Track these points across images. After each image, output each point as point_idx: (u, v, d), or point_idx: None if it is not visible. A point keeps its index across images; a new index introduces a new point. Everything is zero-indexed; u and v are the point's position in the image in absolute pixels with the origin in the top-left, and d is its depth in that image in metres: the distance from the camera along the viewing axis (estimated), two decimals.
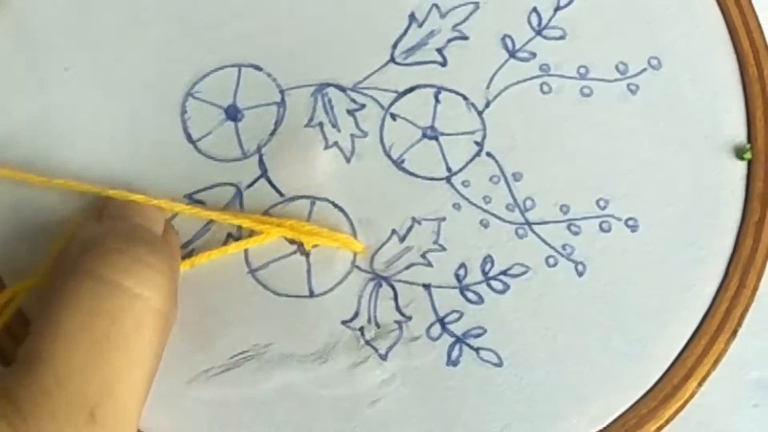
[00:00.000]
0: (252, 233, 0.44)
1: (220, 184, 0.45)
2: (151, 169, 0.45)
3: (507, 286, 0.44)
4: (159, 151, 0.45)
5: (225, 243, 0.44)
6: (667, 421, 0.43)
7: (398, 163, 0.45)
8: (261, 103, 0.46)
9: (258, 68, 0.46)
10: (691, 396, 0.44)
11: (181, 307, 0.42)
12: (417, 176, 0.45)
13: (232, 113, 0.46)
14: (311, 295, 0.44)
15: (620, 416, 0.43)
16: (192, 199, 0.45)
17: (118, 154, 0.45)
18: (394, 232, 0.45)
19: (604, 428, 0.43)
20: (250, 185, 0.45)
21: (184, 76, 0.46)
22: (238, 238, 0.44)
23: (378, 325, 0.44)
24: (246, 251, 0.44)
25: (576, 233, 0.45)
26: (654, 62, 0.47)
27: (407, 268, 0.44)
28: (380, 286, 0.44)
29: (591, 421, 0.43)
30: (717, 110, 0.47)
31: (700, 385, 0.44)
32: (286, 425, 0.42)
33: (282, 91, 0.46)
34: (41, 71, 0.46)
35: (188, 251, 0.44)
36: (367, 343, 0.43)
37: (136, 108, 0.46)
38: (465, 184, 0.45)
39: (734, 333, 0.44)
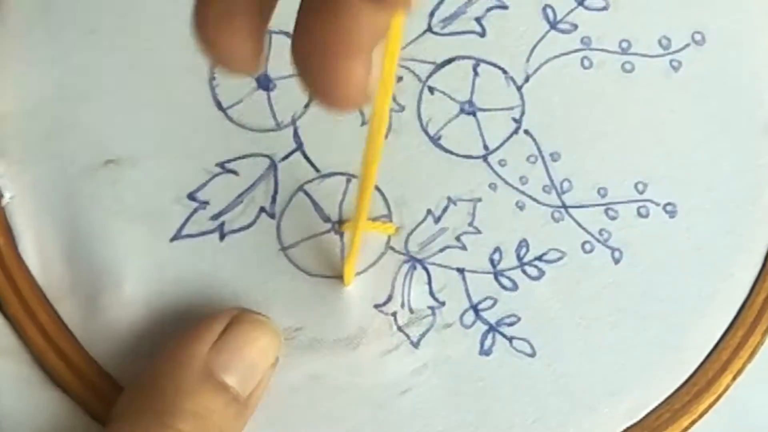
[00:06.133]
0: (286, 208, 0.43)
1: (254, 154, 0.43)
2: (180, 136, 0.44)
3: (542, 273, 0.43)
4: (188, 118, 0.44)
5: (257, 217, 0.43)
6: (701, 416, 0.42)
7: (435, 140, 0.44)
8: (293, 73, 0.44)
9: (289, 35, 0.44)
10: (725, 390, 0.43)
11: (210, 284, 0.42)
12: (454, 154, 0.44)
13: (264, 83, 0.44)
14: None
15: (654, 410, 0.42)
16: (224, 168, 0.43)
17: (145, 119, 0.44)
18: (429, 212, 0.43)
19: (638, 422, 0.42)
20: (285, 158, 0.43)
21: None
22: (270, 213, 0.43)
23: (411, 311, 0.42)
24: (279, 227, 0.43)
25: (613, 218, 0.44)
26: (698, 37, 0.45)
27: (441, 250, 0.43)
28: (414, 268, 0.43)
29: (624, 415, 0.42)
30: (759, 91, 0.45)
31: (734, 378, 0.43)
32: (316, 413, 0.41)
33: None
34: (65, 34, 0.44)
35: (219, 223, 0.43)
36: (400, 329, 0.42)
37: (163, 72, 0.44)
38: (502, 163, 0.44)
39: None
